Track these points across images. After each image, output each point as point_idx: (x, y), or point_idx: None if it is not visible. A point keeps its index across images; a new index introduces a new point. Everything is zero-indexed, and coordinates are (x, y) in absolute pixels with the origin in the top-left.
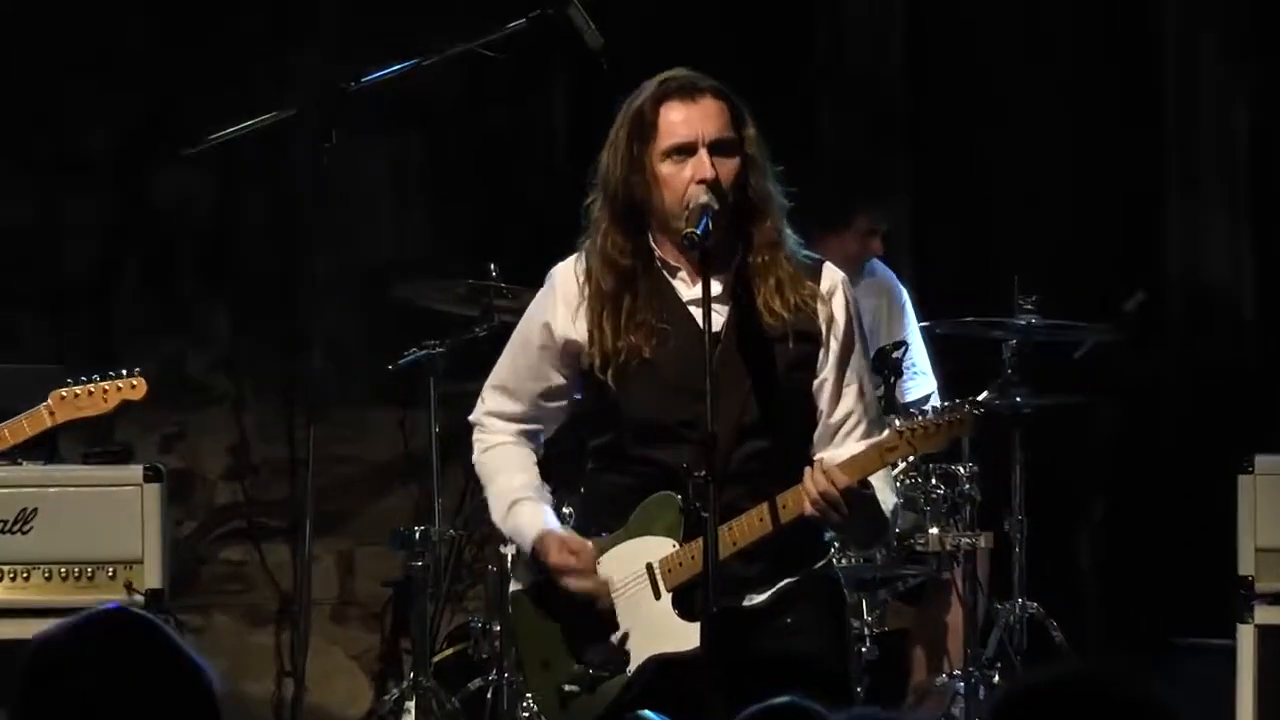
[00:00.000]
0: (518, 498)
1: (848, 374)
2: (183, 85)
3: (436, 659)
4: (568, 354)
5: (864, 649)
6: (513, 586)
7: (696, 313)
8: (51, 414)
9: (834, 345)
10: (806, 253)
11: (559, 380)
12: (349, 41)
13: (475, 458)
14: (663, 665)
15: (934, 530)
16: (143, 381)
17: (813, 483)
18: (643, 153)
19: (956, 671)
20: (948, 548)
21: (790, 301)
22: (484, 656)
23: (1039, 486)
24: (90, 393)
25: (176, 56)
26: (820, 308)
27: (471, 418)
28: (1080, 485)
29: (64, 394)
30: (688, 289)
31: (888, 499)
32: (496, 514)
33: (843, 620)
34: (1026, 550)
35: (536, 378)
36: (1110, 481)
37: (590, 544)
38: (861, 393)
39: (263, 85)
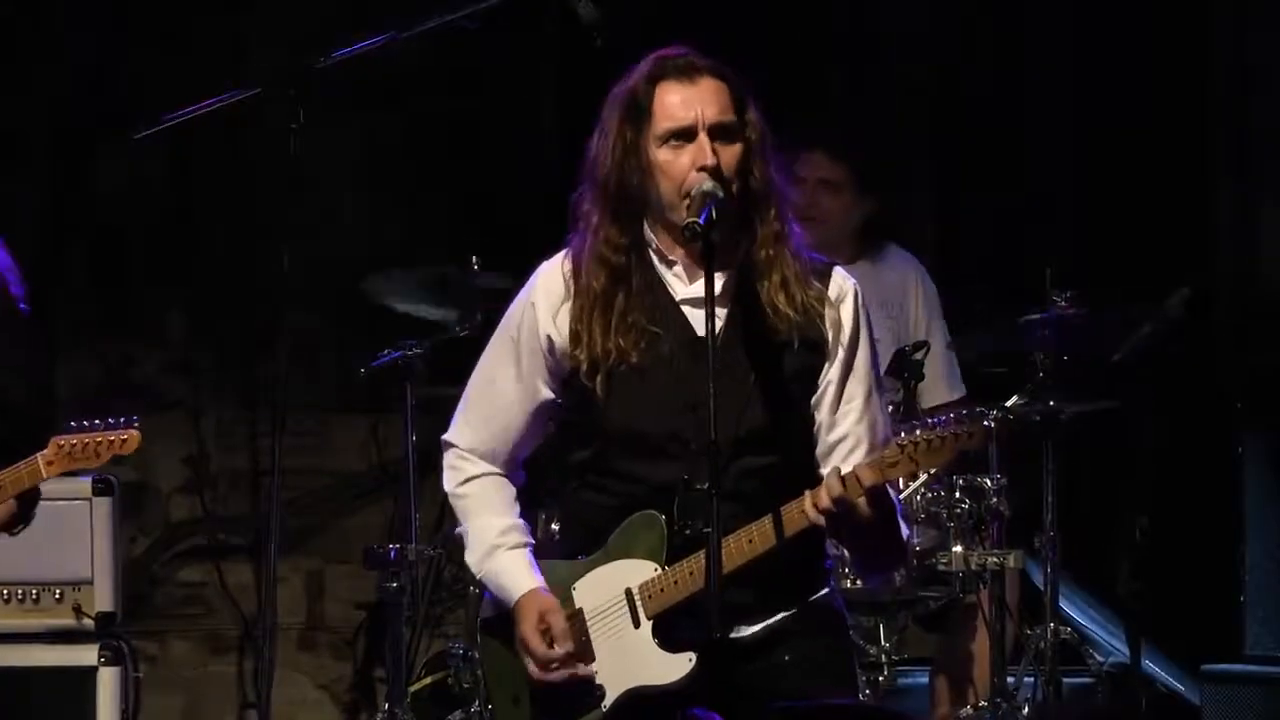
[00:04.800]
0: (498, 544)
1: (848, 389)
2: (123, 52)
3: (413, 689)
4: (550, 358)
5: (881, 678)
6: (481, 615)
7: (690, 312)
8: (49, 465)
9: (838, 356)
10: (813, 255)
11: (541, 390)
12: (309, 6)
13: (450, 489)
14: (641, 699)
15: (958, 548)
16: (135, 434)
17: (825, 490)
18: (637, 138)
19: (983, 703)
20: (973, 567)
21: (797, 301)
22: (465, 686)
23: (1073, 501)
24: (85, 444)
25: (113, 18)
26: (827, 312)
27: (446, 437)
28: (1119, 500)
29: (61, 443)
30: (683, 286)
31: (901, 525)
32: (473, 557)
33: (847, 656)
34: (1059, 571)
35: (515, 389)
36: (1152, 496)
37: (567, 629)
38: (865, 410)
39: (214, 50)
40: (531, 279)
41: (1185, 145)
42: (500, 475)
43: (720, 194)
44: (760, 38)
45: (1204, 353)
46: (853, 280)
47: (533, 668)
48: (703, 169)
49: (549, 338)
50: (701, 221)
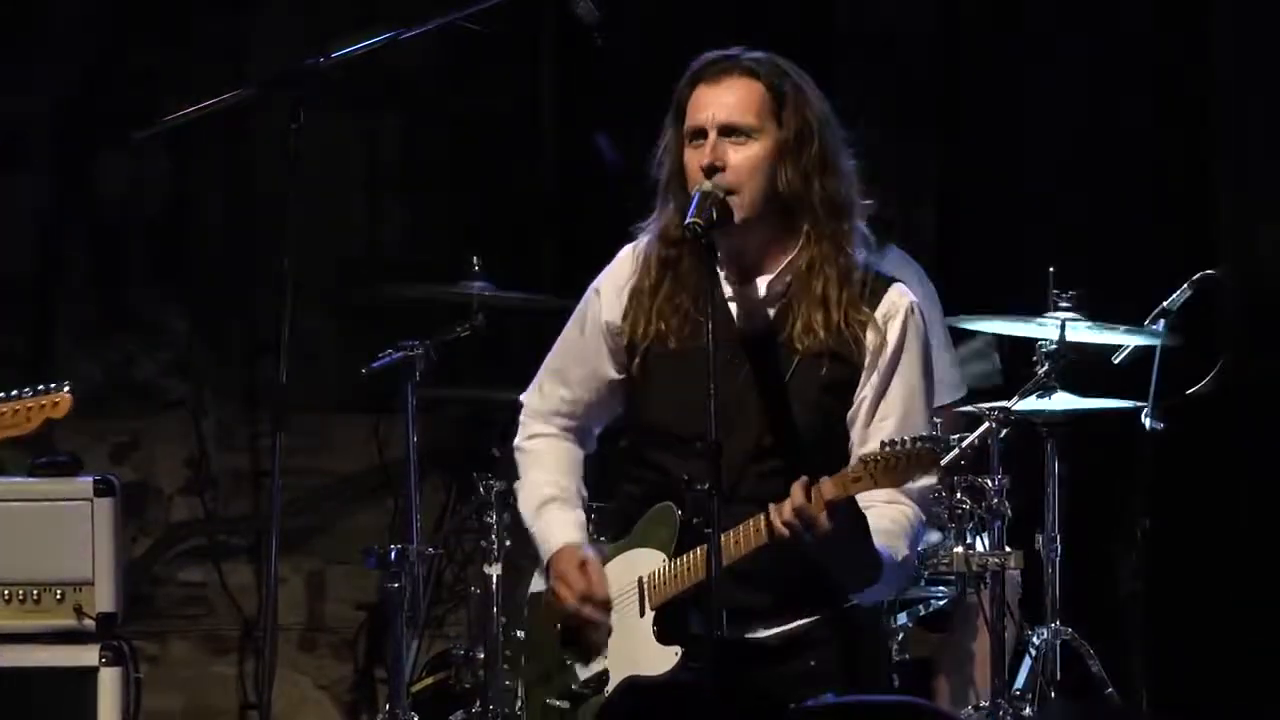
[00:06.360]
0: (550, 496)
1: (882, 407)
2: (123, 52)
3: (414, 689)
4: (610, 339)
5: None
6: (533, 588)
7: (735, 311)
8: None
9: (875, 374)
10: (879, 271)
11: (606, 366)
12: (310, 6)
13: (517, 443)
14: (637, 687)
15: (959, 549)
16: (66, 397)
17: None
18: (676, 137)
19: (984, 704)
20: (974, 568)
21: (833, 319)
22: (466, 687)
23: (1075, 501)
24: (15, 411)
25: (114, 18)
26: (870, 334)
27: (521, 397)
28: (1121, 500)
29: None
30: (732, 284)
31: (898, 546)
32: (525, 508)
33: (875, 665)
34: (1061, 571)
35: (584, 361)
36: (1155, 496)
37: (606, 579)
38: (897, 430)
39: (214, 50)
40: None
41: (1187, 145)
42: (564, 438)
43: (719, 195)
44: (761, 38)
45: (1204, 353)
46: (910, 299)
47: (570, 601)
48: (702, 168)
49: (608, 321)
50: (701, 222)
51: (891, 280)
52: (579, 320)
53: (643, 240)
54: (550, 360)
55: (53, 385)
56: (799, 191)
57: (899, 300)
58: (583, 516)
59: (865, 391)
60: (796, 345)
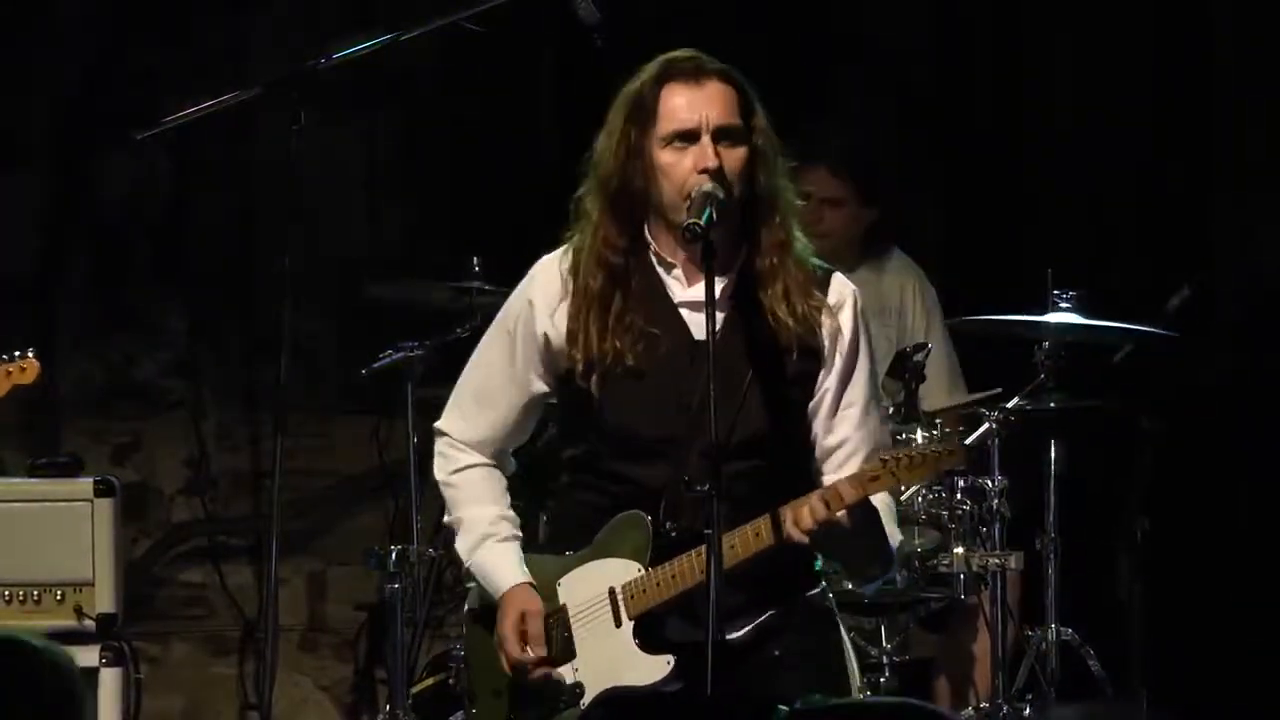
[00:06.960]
0: (488, 534)
1: (846, 395)
2: (123, 52)
3: (415, 690)
4: (546, 355)
5: (883, 679)
6: (468, 605)
7: (688, 315)
8: None
9: (836, 363)
10: (817, 261)
11: (535, 384)
12: (310, 6)
13: (441, 477)
14: (619, 699)
15: (959, 549)
16: (34, 363)
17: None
18: (641, 139)
19: (984, 704)
20: (974, 569)
21: (797, 310)
22: (466, 687)
23: (1074, 502)
24: None
25: (114, 18)
26: (826, 320)
27: (438, 425)
28: (1120, 501)
29: None
30: (682, 289)
31: (894, 531)
32: (463, 546)
33: (837, 650)
34: (1061, 571)
35: (512, 378)
36: (1153, 497)
37: (542, 634)
38: (863, 417)
39: (215, 50)
40: (530, 273)
41: (1186, 145)
42: (491, 465)
43: (721, 196)
44: (760, 41)
45: (1204, 353)
46: (852, 287)
47: (505, 667)
48: (704, 171)
49: (545, 335)
50: (702, 222)
51: (832, 269)
52: (504, 335)
53: (567, 251)
54: (469, 382)
55: (17, 354)
56: (775, 192)
57: (844, 289)
58: (519, 549)
59: (828, 382)
60: (761, 341)
